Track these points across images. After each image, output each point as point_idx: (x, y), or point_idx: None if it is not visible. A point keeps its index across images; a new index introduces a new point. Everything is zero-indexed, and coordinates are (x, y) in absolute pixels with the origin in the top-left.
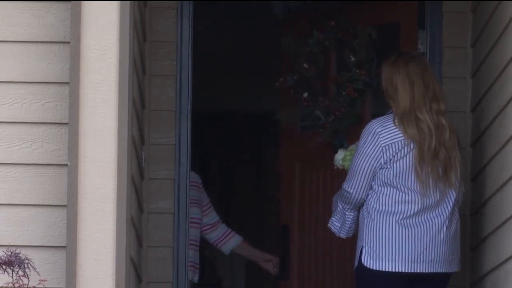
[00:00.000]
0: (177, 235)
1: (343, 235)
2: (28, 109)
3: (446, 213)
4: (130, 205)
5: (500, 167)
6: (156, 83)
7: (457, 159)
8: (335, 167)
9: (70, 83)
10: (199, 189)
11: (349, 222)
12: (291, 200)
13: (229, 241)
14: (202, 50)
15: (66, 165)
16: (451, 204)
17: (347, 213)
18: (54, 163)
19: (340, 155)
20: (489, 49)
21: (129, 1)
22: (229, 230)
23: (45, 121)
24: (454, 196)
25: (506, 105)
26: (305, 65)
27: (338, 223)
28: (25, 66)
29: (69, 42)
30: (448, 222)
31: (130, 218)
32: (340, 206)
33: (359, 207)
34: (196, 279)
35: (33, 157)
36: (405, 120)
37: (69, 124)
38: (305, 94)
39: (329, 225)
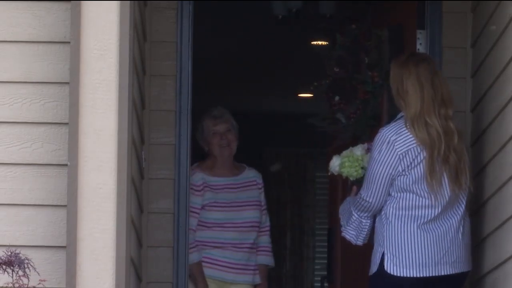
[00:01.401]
0: (177, 235)
1: (360, 242)
2: (28, 109)
3: (460, 215)
4: (130, 205)
5: (500, 167)
6: (156, 83)
7: (466, 163)
8: (330, 173)
9: (70, 83)
10: (259, 189)
11: (366, 230)
12: (334, 203)
13: (261, 257)
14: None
15: (66, 165)
16: (464, 206)
17: (364, 221)
18: (54, 163)
19: (336, 162)
20: (489, 49)
21: (129, 1)
22: (269, 246)
23: (45, 121)
24: (465, 197)
25: (506, 105)
26: (335, 69)
27: (354, 232)
28: (25, 66)
29: (69, 42)
30: (463, 222)
31: (130, 218)
32: (356, 215)
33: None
34: (257, 280)
35: (33, 157)
36: (416, 123)
37: (69, 124)
38: (336, 98)
39: (343, 234)
